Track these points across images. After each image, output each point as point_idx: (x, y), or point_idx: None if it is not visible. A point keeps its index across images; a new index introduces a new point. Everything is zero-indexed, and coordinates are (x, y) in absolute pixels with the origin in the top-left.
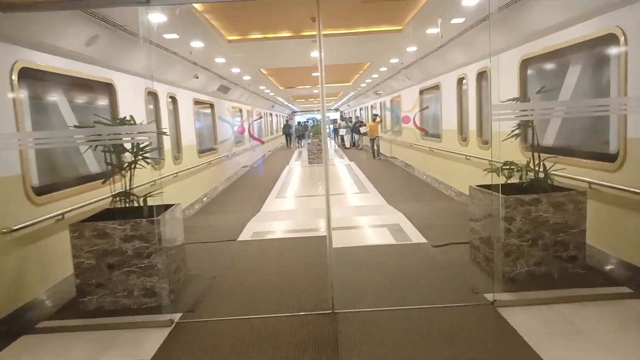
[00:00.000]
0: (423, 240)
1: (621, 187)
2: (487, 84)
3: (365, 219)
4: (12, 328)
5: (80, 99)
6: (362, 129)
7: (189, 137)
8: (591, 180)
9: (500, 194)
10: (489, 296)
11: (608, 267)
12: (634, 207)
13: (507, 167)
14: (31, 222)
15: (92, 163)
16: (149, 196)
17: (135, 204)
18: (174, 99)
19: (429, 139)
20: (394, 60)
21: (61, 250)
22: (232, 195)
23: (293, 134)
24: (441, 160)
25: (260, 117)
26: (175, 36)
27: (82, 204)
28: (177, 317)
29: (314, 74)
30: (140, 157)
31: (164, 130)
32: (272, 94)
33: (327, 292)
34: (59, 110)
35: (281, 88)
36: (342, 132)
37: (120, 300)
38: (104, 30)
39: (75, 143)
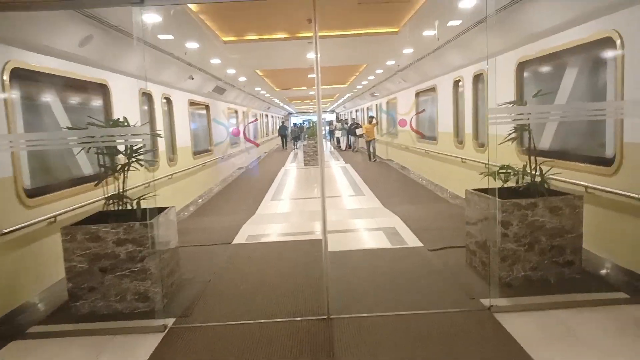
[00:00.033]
0: (419, 243)
1: (618, 191)
2: (483, 87)
3: (361, 221)
4: (1, 333)
5: (74, 99)
6: (358, 131)
7: (183, 139)
8: (587, 184)
9: (497, 198)
10: (486, 301)
11: (604, 272)
12: (631, 212)
13: (504, 171)
14: (23, 224)
15: (86, 165)
16: (143, 199)
17: (129, 207)
18: (168, 100)
19: (425, 141)
20: (390, 62)
21: (53, 254)
22: (228, 197)
23: (289, 135)
24: (437, 163)
25: (256, 120)
26: (170, 37)
27: (74, 207)
28: (170, 322)
29: (310, 76)
30: (133, 160)
31: (158, 132)
32: (267, 95)
33: (322, 297)
34: (52, 111)
35: (277, 89)
36: (337, 133)
37: (113, 305)
38: (97, 31)
39: (68, 145)
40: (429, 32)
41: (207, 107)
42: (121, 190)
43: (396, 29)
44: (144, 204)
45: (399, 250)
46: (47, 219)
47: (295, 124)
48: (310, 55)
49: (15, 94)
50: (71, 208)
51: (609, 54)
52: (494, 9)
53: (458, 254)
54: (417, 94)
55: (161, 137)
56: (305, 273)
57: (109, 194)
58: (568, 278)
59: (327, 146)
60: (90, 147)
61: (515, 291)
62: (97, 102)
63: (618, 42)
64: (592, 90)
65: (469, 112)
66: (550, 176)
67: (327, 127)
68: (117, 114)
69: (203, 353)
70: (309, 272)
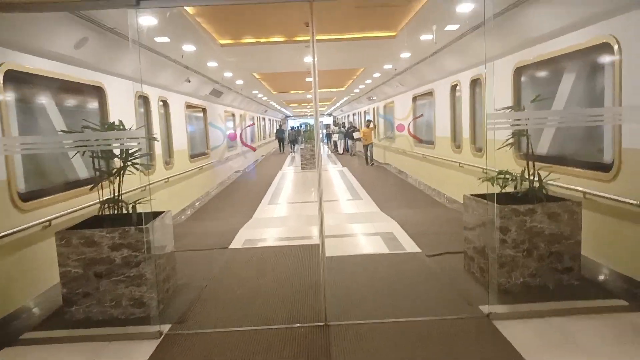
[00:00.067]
0: (417, 249)
1: (616, 197)
2: (481, 91)
3: (359, 226)
4: None
5: (70, 102)
6: (355, 135)
7: (180, 142)
8: (586, 190)
9: (495, 204)
10: (484, 308)
11: (603, 279)
12: (629, 218)
13: (502, 176)
14: (17, 229)
15: (81, 168)
16: (139, 203)
17: (125, 211)
18: (165, 103)
19: (423, 146)
20: (387, 66)
21: (47, 258)
22: (224, 201)
23: (286, 138)
24: (435, 167)
25: (253, 124)
26: (166, 39)
27: (69, 211)
28: (166, 328)
29: (307, 79)
30: (129, 163)
31: (154, 135)
32: (265, 98)
33: (319, 303)
34: (47, 114)
35: (274, 93)
36: (335, 137)
37: (108, 311)
38: (93, 33)
39: (63, 149)
40: (426, 36)
41: (204, 110)
42: (117, 194)
43: (394, 33)
44: (139, 208)
45: (396, 256)
46: (42, 223)
47: (292, 127)
48: (308, 59)
49: (9, 97)
50: (66, 212)
51: (606, 59)
52: (491, 13)
53: (456, 259)
54: (415, 98)
55: (157, 141)
56: (303, 278)
57: (105, 198)
58: (567, 284)
59: (324, 150)
60: (85, 151)
61: (514, 298)
62: (93, 105)
63: (615, 47)
64: (589, 96)
65: (467, 117)
66: (549, 182)
67: (325, 131)
68: (113, 116)
69: None
70: (306, 278)
